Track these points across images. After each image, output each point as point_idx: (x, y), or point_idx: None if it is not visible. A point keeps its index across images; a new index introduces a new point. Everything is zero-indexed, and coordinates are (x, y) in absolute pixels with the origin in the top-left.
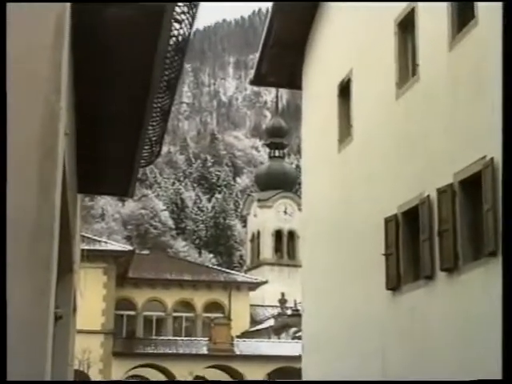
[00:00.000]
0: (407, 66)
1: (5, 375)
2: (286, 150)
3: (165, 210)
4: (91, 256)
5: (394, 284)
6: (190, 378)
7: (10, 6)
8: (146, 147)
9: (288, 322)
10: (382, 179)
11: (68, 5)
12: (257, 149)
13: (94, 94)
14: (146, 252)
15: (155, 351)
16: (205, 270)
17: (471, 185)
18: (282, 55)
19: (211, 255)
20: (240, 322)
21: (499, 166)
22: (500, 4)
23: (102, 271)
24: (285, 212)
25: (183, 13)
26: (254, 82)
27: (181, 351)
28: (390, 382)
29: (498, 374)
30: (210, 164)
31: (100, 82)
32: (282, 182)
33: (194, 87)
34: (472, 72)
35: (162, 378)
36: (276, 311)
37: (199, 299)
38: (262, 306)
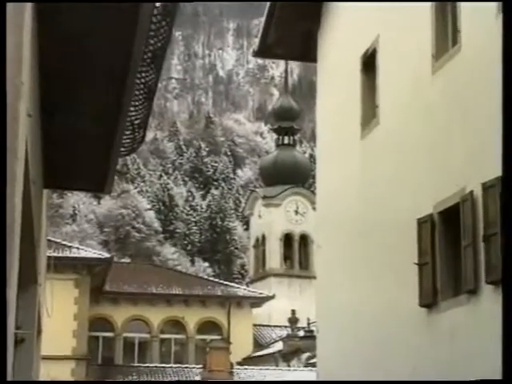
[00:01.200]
0: (446, 34)
1: (5, 375)
2: (297, 137)
3: (150, 209)
4: (60, 265)
5: (430, 300)
6: None
7: None
8: (127, 133)
9: (300, 345)
10: (414, 172)
11: None
12: (262, 135)
13: (64, 68)
14: (126, 260)
15: (138, 381)
16: (198, 283)
17: None
18: (293, 20)
19: (206, 264)
20: (241, 345)
21: None
22: None
23: (73, 284)
24: (296, 212)
25: None
26: (258, 54)
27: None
28: (390, 381)
29: None
30: (204, 153)
31: (70, 54)
32: (292, 176)
33: (185, 59)
34: None
35: None
36: (285, 332)
37: (191, 318)
38: (268, 326)
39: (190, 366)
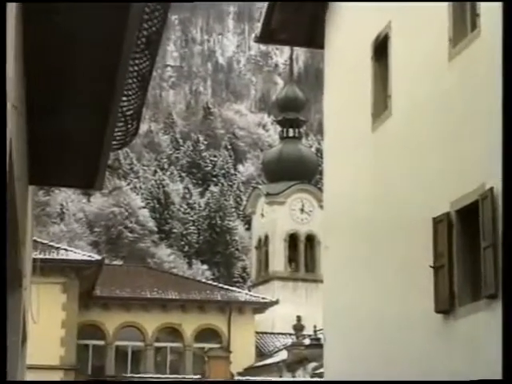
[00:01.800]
0: (464, 18)
1: (5, 375)
2: (302, 129)
3: (144, 207)
4: (47, 268)
5: (446, 305)
6: None
7: None
8: (119, 125)
9: (305, 354)
10: (429, 166)
11: None
12: (264, 127)
13: (51, 55)
14: (118, 263)
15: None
16: (196, 287)
17: None
18: (299, 3)
19: (205, 267)
20: (242, 354)
21: None
22: None
23: (61, 288)
24: (301, 210)
25: None
26: (260, 39)
27: None
28: (390, 381)
29: None
30: (202, 147)
31: (58, 40)
32: (297, 171)
33: (181, 46)
34: None
35: None
36: (290, 340)
37: (189, 325)
38: (272, 333)
39: (188, 376)
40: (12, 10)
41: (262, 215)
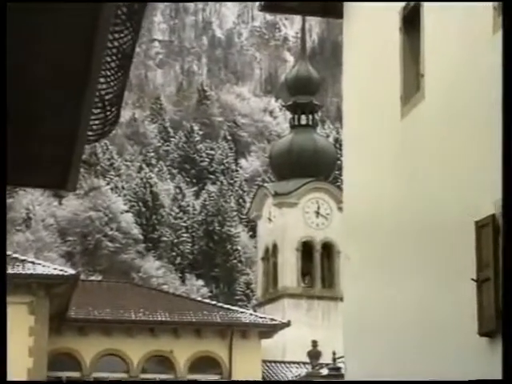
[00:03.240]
0: None
1: (5, 375)
2: (317, 116)
3: (127, 211)
4: (10, 285)
5: (492, 326)
6: None
7: None
8: (96, 111)
9: None
10: (470, 160)
11: None
12: (272, 113)
13: (14, 27)
14: (97, 278)
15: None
16: (191, 306)
17: None
18: None
19: (201, 282)
20: None
21: None
22: None
23: (28, 309)
24: (317, 213)
25: None
26: (266, 8)
27: None
28: (390, 381)
29: None
30: (198, 138)
31: (22, 11)
32: (311, 166)
33: (171, 16)
34: None
35: None
36: (304, 370)
37: (182, 352)
38: (282, 362)
39: None
40: None
41: (270, 220)
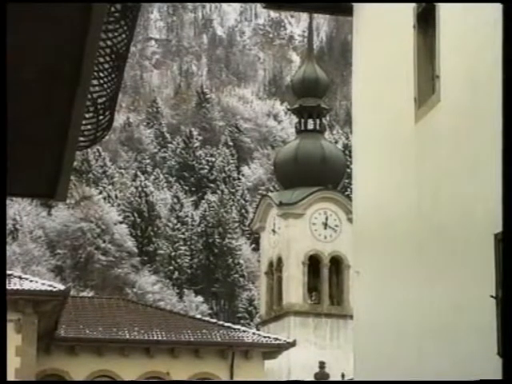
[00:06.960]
0: None
1: (5, 375)
2: (325, 120)
3: (121, 222)
4: None
5: None
6: None
7: None
8: (88, 116)
9: None
10: (491, 167)
11: None
12: (276, 117)
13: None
14: (88, 294)
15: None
16: (189, 325)
17: None
18: None
19: (200, 299)
20: None
21: None
22: None
23: (14, 327)
24: (325, 225)
25: None
26: (271, 4)
27: None
28: (390, 381)
29: None
30: (197, 144)
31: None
32: (319, 174)
33: (169, 13)
34: None
35: None
36: None
37: (180, 373)
38: None
39: None
40: None
41: (274, 231)
